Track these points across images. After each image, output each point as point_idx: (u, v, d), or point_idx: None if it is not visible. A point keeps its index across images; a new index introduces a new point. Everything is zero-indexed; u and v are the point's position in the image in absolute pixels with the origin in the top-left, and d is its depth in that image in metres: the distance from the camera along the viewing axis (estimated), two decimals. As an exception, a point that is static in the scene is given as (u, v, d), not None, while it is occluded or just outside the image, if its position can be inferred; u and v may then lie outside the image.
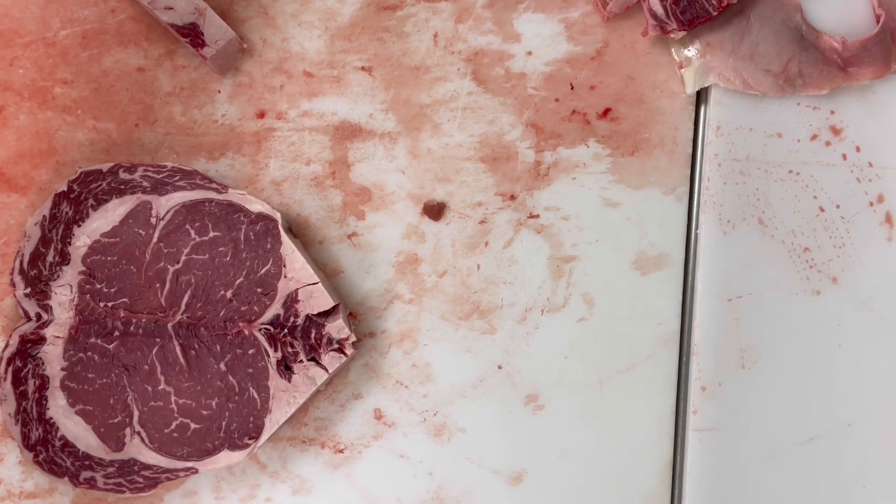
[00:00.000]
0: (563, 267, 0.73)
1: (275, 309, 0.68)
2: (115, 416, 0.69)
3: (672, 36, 0.71)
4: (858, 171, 0.74)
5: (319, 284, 0.68)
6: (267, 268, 0.68)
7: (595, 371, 0.73)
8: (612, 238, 0.73)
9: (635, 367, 0.73)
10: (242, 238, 0.68)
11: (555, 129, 0.73)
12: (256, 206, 0.69)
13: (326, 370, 0.68)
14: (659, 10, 0.70)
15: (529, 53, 0.73)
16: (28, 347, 0.69)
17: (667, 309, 0.73)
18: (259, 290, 0.68)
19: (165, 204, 0.69)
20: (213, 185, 0.69)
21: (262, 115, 0.72)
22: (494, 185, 0.73)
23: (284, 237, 0.68)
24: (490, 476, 0.73)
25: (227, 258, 0.68)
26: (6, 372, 0.69)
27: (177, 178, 0.69)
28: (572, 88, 0.73)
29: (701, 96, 0.74)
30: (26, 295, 0.69)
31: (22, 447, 0.69)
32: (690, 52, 0.72)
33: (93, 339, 0.69)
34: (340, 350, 0.68)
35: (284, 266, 0.68)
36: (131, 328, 0.69)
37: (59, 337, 0.69)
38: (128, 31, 0.72)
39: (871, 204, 0.74)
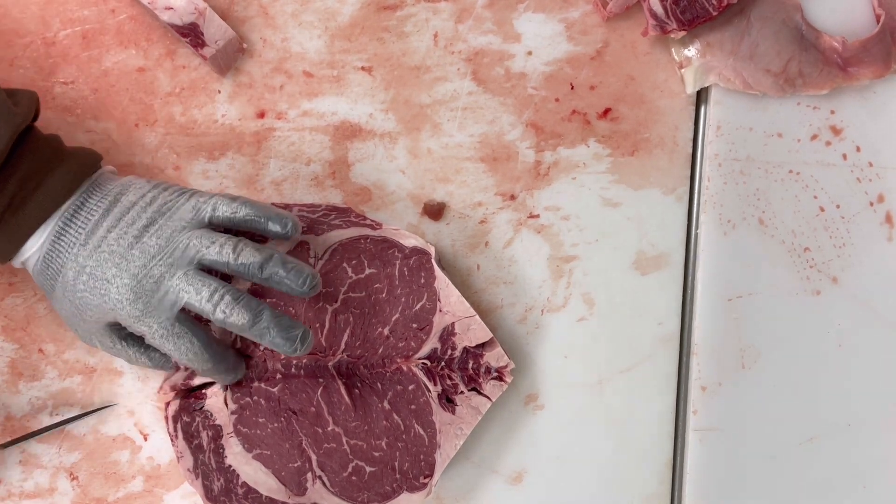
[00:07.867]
0: (563, 267, 0.73)
1: (431, 343, 0.68)
2: (294, 460, 0.68)
3: (672, 36, 0.71)
4: (858, 171, 0.74)
5: (476, 317, 0.68)
6: (422, 303, 0.68)
7: (595, 371, 0.73)
8: (612, 238, 0.73)
9: (635, 367, 0.73)
10: (397, 274, 0.68)
11: (555, 129, 0.73)
12: (410, 240, 0.68)
13: (490, 399, 0.68)
14: (659, 9, 0.70)
15: (529, 53, 0.73)
16: (192, 402, 0.68)
17: (667, 309, 0.73)
18: (415, 325, 0.68)
19: (322, 243, 0.68)
20: (368, 222, 0.69)
21: (262, 115, 0.72)
22: (494, 185, 0.73)
23: (438, 271, 0.68)
24: (490, 476, 0.73)
25: (383, 295, 0.68)
26: (175, 429, 0.68)
27: (332, 216, 0.69)
28: (572, 88, 0.73)
29: (701, 96, 0.74)
30: None
31: (205, 501, 0.68)
32: (690, 52, 0.72)
33: (256, 384, 0.68)
34: (500, 378, 0.68)
35: (439, 300, 0.68)
36: (292, 370, 0.68)
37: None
38: (128, 31, 0.72)
39: (871, 204, 0.74)
